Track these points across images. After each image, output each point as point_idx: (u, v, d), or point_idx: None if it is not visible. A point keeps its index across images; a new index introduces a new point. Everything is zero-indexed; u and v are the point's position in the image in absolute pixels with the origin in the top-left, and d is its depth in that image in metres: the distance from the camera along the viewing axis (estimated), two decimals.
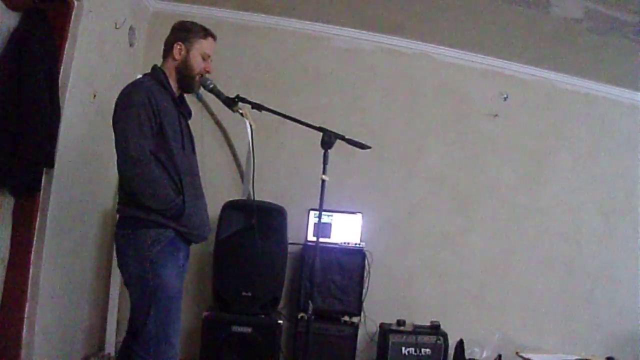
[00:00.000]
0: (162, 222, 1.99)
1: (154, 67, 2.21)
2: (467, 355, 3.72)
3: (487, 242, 4.15)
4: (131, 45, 3.58)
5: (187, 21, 2.28)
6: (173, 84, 2.18)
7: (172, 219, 2.00)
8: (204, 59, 2.20)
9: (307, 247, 3.61)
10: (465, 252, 4.11)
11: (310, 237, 3.62)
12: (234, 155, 3.90)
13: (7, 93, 2.50)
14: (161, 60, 2.25)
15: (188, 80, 2.19)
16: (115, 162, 2.07)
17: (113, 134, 2.06)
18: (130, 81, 2.18)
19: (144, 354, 1.98)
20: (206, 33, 2.22)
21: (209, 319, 3.19)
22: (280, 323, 3.24)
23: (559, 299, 4.17)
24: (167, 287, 1.99)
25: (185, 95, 2.30)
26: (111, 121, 2.09)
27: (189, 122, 2.32)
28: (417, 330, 3.57)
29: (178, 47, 2.17)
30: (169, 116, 2.06)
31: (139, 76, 2.24)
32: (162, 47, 2.25)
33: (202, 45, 2.20)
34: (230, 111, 2.28)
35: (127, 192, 2.04)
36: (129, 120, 1.97)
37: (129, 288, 2.08)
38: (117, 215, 2.15)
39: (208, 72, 2.23)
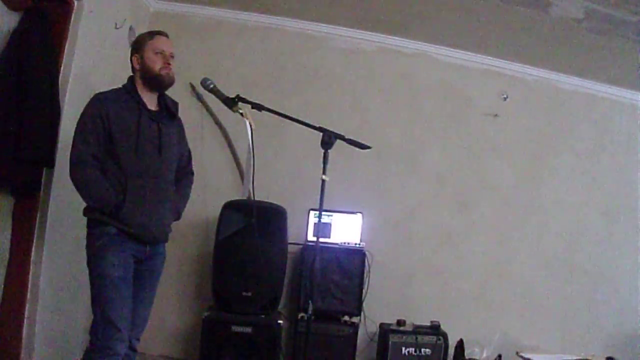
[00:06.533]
0: (103, 220, 2.20)
1: (128, 78, 2.37)
2: (467, 355, 3.72)
3: (487, 242, 4.14)
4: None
5: (138, 35, 2.45)
6: (143, 91, 2.31)
7: (111, 217, 2.18)
8: (160, 54, 2.31)
9: (307, 247, 3.61)
10: (465, 252, 4.10)
11: (310, 237, 3.62)
12: (234, 155, 3.89)
13: (7, 93, 2.51)
14: None
15: (154, 79, 2.31)
16: None
17: None
18: None
19: (92, 334, 2.16)
20: (152, 34, 2.37)
21: (209, 319, 3.19)
22: (280, 323, 3.23)
23: (559, 299, 4.16)
24: (105, 275, 2.16)
25: (169, 101, 2.42)
26: None
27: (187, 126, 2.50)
28: (417, 330, 3.57)
29: (135, 59, 2.33)
30: (123, 122, 2.22)
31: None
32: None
33: (152, 45, 2.32)
34: (230, 111, 2.29)
35: None
36: (77, 130, 2.22)
37: None
38: None
39: (169, 64, 2.32)
